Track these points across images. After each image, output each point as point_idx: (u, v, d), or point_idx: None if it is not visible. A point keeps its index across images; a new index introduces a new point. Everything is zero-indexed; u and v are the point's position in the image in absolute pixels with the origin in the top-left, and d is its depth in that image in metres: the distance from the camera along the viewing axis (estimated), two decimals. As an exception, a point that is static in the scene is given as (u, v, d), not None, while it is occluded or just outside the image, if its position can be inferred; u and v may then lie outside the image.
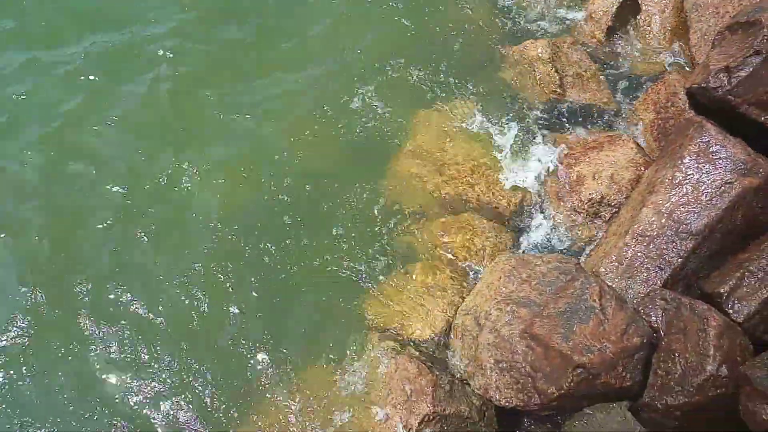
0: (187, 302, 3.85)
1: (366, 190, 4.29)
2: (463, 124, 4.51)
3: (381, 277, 4.04)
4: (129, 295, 3.88)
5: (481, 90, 4.69)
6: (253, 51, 5.01)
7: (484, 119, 4.54)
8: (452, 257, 3.98)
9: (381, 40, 4.96)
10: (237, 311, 3.85)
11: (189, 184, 4.31)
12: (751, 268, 3.25)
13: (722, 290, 3.26)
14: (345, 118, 4.64)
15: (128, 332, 3.76)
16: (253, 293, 3.95)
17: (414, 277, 3.93)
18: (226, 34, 5.12)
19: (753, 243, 3.43)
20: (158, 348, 3.69)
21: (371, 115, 4.57)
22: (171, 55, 4.87)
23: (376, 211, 4.24)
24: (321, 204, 4.30)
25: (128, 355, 3.68)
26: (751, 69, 3.62)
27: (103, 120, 4.58)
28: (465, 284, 3.83)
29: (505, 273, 3.55)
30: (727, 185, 3.41)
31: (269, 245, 4.13)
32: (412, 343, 3.59)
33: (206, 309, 3.89)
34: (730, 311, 3.20)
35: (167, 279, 3.94)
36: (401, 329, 3.67)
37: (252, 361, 3.67)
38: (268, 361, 3.74)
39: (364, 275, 4.05)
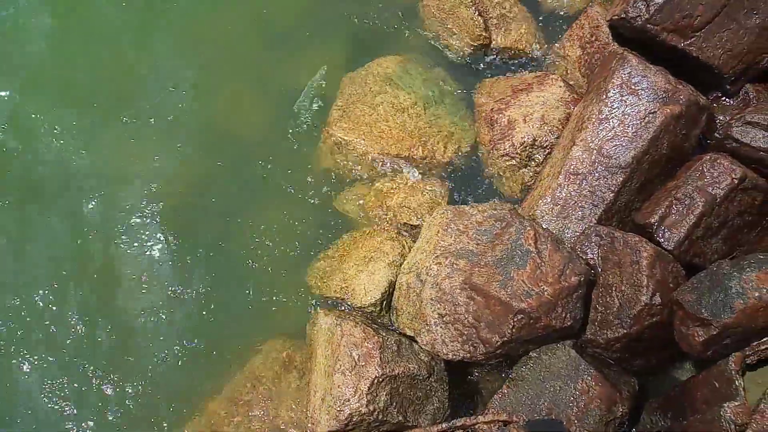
0: (117, 284, 3.77)
1: (298, 159, 4.17)
2: (389, 81, 4.37)
3: (322, 246, 3.97)
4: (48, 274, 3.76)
5: (404, 43, 4.54)
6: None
7: (410, 74, 4.41)
8: (392, 217, 3.92)
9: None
10: (172, 293, 3.75)
11: (113, 158, 4.13)
12: (678, 195, 3.30)
13: (653, 220, 3.31)
14: (272, 83, 4.48)
15: (51, 309, 3.66)
16: (190, 274, 3.85)
17: (355, 242, 3.87)
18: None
19: (679, 170, 3.47)
20: (88, 337, 3.59)
21: (294, 81, 4.40)
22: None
23: (309, 180, 4.13)
24: (252, 177, 4.17)
25: (56, 341, 3.58)
26: (668, -6, 3.59)
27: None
28: (406, 243, 3.79)
29: (443, 226, 3.51)
30: (651, 115, 3.42)
31: (202, 222, 4.04)
32: (357, 309, 3.55)
33: (142, 291, 3.81)
34: (662, 240, 3.26)
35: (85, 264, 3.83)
36: (346, 296, 3.62)
37: (192, 347, 3.60)
38: (210, 344, 3.68)
39: (304, 246, 3.98)
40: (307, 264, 3.92)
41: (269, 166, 4.15)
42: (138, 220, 4.02)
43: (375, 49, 4.57)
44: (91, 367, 3.59)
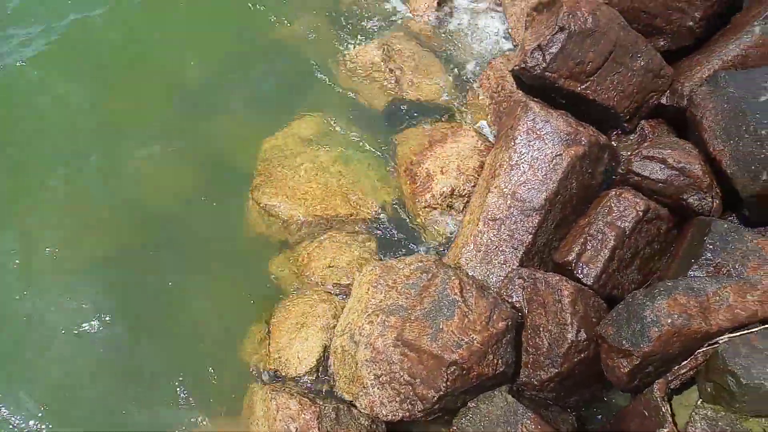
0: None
1: (225, 227, 4.14)
2: (309, 142, 4.44)
3: (254, 316, 3.89)
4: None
5: (321, 103, 4.65)
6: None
7: (329, 133, 4.50)
8: (321, 279, 3.90)
9: (209, 64, 4.78)
10: (99, 367, 3.56)
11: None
12: (591, 231, 3.45)
13: (570, 258, 3.43)
14: (191, 151, 4.44)
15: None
16: (118, 348, 3.69)
17: (287, 308, 3.81)
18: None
19: (590, 207, 3.64)
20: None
21: (214, 148, 4.39)
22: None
23: (237, 248, 4.10)
24: (179, 249, 4.09)
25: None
26: (560, 45, 3.83)
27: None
28: (338, 304, 3.76)
29: (372, 283, 3.52)
30: (557, 157, 3.59)
31: (130, 295, 3.90)
32: (292, 379, 3.47)
33: (67, 362, 3.60)
34: (581, 276, 3.38)
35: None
36: (281, 366, 3.54)
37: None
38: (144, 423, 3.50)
39: (235, 317, 3.90)
40: (240, 336, 3.83)
41: (196, 238, 4.09)
42: (65, 293, 3.82)
43: (292, 111, 4.65)
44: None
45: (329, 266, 3.92)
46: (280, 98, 4.67)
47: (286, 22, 5.09)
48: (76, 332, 3.70)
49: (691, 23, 4.04)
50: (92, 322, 3.75)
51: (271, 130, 4.50)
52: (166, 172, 4.37)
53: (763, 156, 3.27)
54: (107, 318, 3.76)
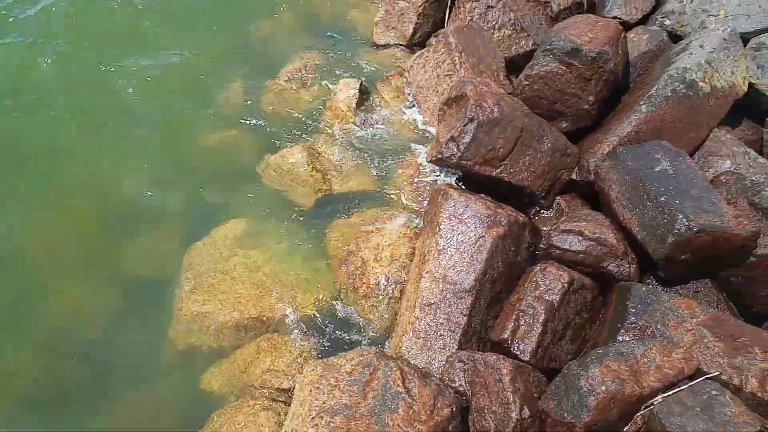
0: None
1: (152, 343, 3.97)
2: (240, 243, 4.43)
3: None
4: None
5: (249, 204, 4.69)
6: None
7: (260, 232, 4.52)
8: (261, 385, 3.78)
9: (133, 177, 4.78)
10: None
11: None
12: (521, 307, 3.55)
13: (505, 335, 3.50)
14: (114, 270, 4.33)
15: None
16: None
17: (226, 421, 3.64)
18: None
19: (518, 283, 3.77)
20: None
21: (139, 264, 4.30)
22: None
23: (168, 364, 3.93)
24: (107, 372, 3.87)
25: None
26: (471, 135, 4.10)
27: None
28: (281, 410, 3.64)
29: (314, 384, 3.43)
30: (481, 239, 3.75)
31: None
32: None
33: None
34: (518, 353, 3.44)
35: None
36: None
37: None
38: None
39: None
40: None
41: (121, 362, 3.89)
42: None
43: (220, 215, 4.66)
44: None
45: (268, 370, 3.82)
46: (206, 204, 4.69)
47: (209, 131, 5.20)
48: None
49: (586, 106, 4.44)
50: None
51: (199, 236, 4.47)
52: (86, 295, 4.21)
53: (666, 221, 3.54)
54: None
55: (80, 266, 4.28)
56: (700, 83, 4.28)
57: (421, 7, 5.74)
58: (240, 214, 4.63)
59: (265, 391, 3.76)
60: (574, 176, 4.37)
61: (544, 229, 4.32)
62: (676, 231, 3.46)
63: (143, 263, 4.31)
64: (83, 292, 4.18)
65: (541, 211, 4.44)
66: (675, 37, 5.04)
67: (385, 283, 4.14)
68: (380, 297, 4.15)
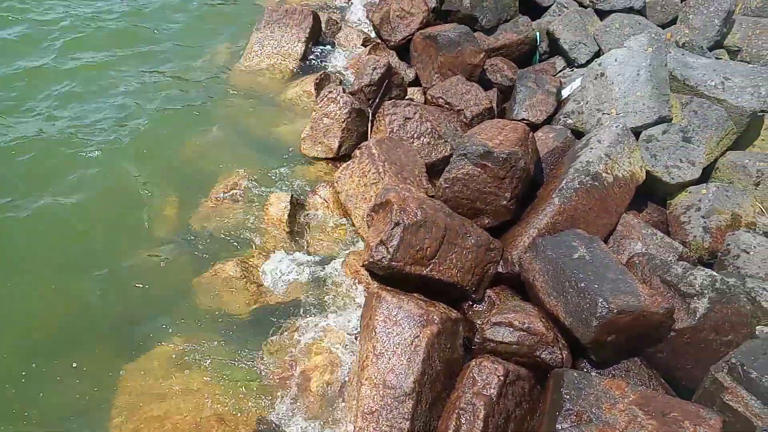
0: None
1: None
2: (176, 365, 4.30)
3: None
4: None
5: (182, 322, 4.61)
6: None
7: (196, 353, 4.40)
8: None
9: (72, 296, 4.65)
10: None
11: None
12: (461, 404, 3.56)
13: (449, 436, 3.47)
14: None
15: None
16: None
17: None
18: None
19: (457, 380, 3.80)
20: None
21: (63, 397, 4.08)
22: None
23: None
24: None
25: None
26: (398, 237, 4.26)
27: None
28: None
29: None
30: (416, 339, 3.80)
31: None
32: None
33: None
34: (462, 453, 3.40)
35: None
36: None
37: None
38: None
39: None
40: None
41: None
42: None
43: (152, 335, 4.53)
44: None
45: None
46: (134, 326, 4.57)
47: (143, 250, 5.17)
48: None
49: (504, 202, 4.73)
50: None
51: (130, 357, 4.31)
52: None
53: (588, 305, 3.71)
54: None
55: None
56: (604, 174, 4.67)
57: (344, 123, 6.09)
58: (176, 334, 4.52)
59: None
60: (500, 269, 4.55)
61: (478, 322, 4.42)
62: (598, 314, 3.62)
63: (72, 396, 4.07)
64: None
65: (474, 305, 4.56)
66: (578, 133, 5.53)
67: (330, 391, 4.07)
68: (326, 406, 4.06)
